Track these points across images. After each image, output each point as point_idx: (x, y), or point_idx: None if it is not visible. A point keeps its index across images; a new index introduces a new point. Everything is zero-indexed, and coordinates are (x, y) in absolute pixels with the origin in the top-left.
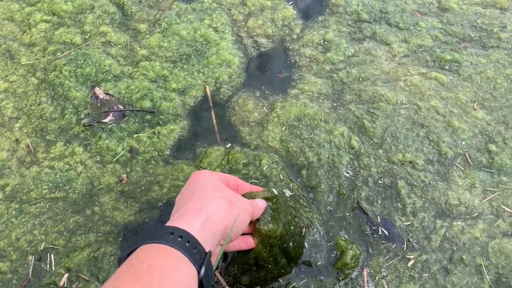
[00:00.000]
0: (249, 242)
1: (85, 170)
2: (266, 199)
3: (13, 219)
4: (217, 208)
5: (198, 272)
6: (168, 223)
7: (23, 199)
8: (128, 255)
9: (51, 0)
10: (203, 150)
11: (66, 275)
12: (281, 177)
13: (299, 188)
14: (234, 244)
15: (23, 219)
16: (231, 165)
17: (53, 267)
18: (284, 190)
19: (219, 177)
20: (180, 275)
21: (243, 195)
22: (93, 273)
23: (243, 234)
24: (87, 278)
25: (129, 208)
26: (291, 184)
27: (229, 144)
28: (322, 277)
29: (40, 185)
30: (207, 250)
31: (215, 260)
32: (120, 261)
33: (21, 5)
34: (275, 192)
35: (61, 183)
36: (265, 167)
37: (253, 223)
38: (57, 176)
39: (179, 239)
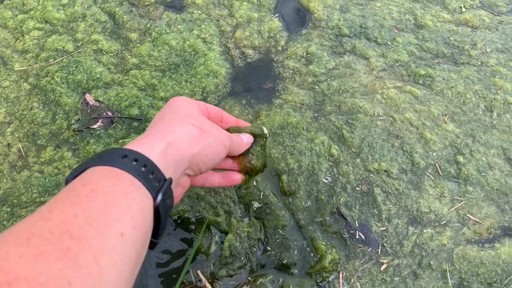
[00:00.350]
0: (231, 178)
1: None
2: (254, 135)
3: (4, 222)
4: (183, 134)
5: (154, 199)
6: (125, 146)
7: (14, 203)
8: (75, 178)
9: (43, 8)
10: None
11: None
12: (254, 183)
13: (271, 194)
14: (213, 181)
15: (14, 222)
16: None
17: None
18: (252, 202)
19: (198, 105)
20: (130, 201)
21: (228, 129)
22: None
23: (217, 170)
24: None
25: None
26: (262, 193)
27: None
28: (298, 278)
29: (30, 189)
30: (167, 177)
31: (181, 191)
32: (66, 184)
33: (14, 13)
34: (265, 131)
35: (50, 187)
36: None
37: (238, 159)
38: (47, 180)
39: (134, 162)
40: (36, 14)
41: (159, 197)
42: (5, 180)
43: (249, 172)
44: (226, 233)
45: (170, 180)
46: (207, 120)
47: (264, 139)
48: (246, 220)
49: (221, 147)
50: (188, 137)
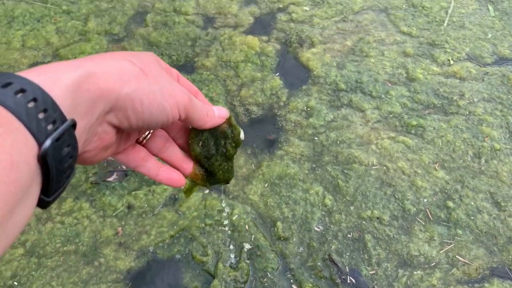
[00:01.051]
0: (170, 175)
1: (90, 223)
2: (230, 124)
3: (33, 272)
4: (113, 67)
5: (41, 144)
6: (23, 72)
7: (41, 253)
8: None
9: None
10: (183, 195)
11: None
12: (247, 227)
13: (262, 238)
14: (151, 168)
15: (42, 272)
16: (207, 210)
17: None
18: (244, 244)
19: (167, 67)
20: None
21: None
22: None
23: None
24: None
25: (128, 256)
26: (253, 236)
27: (207, 190)
28: None
29: (53, 240)
30: (70, 118)
31: (98, 144)
32: None
33: None
34: (242, 135)
35: (71, 236)
36: (235, 217)
37: (195, 158)
38: (68, 230)
39: (19, 95)
40: None
41: (47, 143)
42: (32, 232)
43: (201, 180)
44: (211, 274)
45: (72, 122)
46: (160, 70)
47: (234, 144)
48: (234, 261)
49: (169, 101)
50: (118, 71)
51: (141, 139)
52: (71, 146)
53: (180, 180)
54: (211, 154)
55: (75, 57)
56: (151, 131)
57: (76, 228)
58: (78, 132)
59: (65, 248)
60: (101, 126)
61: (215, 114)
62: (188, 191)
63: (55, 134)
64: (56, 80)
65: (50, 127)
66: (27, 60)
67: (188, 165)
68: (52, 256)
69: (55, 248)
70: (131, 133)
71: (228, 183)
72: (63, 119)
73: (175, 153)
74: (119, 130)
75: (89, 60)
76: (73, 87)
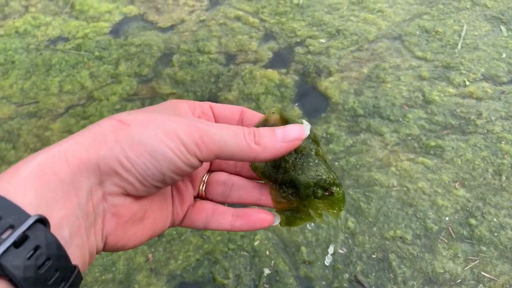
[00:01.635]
0: (249, 219)
1: (124, 252)
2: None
3: None
4: (83, 135)
5: None
6: None
7: (82, 283)
8: None
9: (100, 114)
10: None
11: None
12: (267, 253)
13: (281, 263)
14: (222, 221)
15: None
16: (230, 235)
17: None
18: (264, 268)
19: (190, 104)
20: None
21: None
22: None
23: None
24: None
25: (160, 281)
26: (273, 261)
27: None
28: None
29: (92, 270)
30: (36, 213)
31: (116, 221)
32: None
33: (77, 119)
34: (307, 127)
35: (108, 265)
36: (257, 242)
37: (269, 186)
38: (104, 260)
39: None
40: (95, 120)
41: (1, 249)
42: None
43: (287, 207)
44: None
45: (38, 218)
46: (153, 114)
47: (313, 143)
48: (252, 285)
49: (167, 142)
50: (89, 136)
51: (200, 192)
52: (46, 245)
53: (267, 220)
54: (279, 161)
55: (107, 98)
56: (205, 179)
57: (112, 257)
58: (64, 224)
59: (103, 277)
60: (104, 202)
61: (276, 138)
62: (289, 222)
63: (7, 241)
64: (12, 178)
65: (5, 235)
66: (64, 103)
67: (268, 196)
68: (92, 286)
69: (94, 277)
70: (184, 193)
71: (331, 187)
72: (23, 217)
73: (245, 189)
74: (135, 197)
75: (63, 140)
76: (34, 178)
